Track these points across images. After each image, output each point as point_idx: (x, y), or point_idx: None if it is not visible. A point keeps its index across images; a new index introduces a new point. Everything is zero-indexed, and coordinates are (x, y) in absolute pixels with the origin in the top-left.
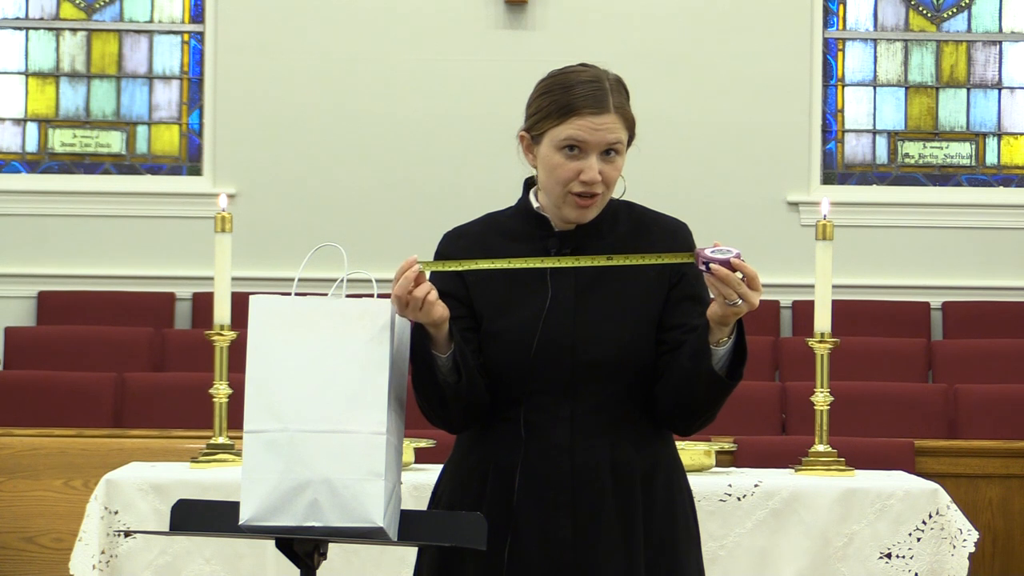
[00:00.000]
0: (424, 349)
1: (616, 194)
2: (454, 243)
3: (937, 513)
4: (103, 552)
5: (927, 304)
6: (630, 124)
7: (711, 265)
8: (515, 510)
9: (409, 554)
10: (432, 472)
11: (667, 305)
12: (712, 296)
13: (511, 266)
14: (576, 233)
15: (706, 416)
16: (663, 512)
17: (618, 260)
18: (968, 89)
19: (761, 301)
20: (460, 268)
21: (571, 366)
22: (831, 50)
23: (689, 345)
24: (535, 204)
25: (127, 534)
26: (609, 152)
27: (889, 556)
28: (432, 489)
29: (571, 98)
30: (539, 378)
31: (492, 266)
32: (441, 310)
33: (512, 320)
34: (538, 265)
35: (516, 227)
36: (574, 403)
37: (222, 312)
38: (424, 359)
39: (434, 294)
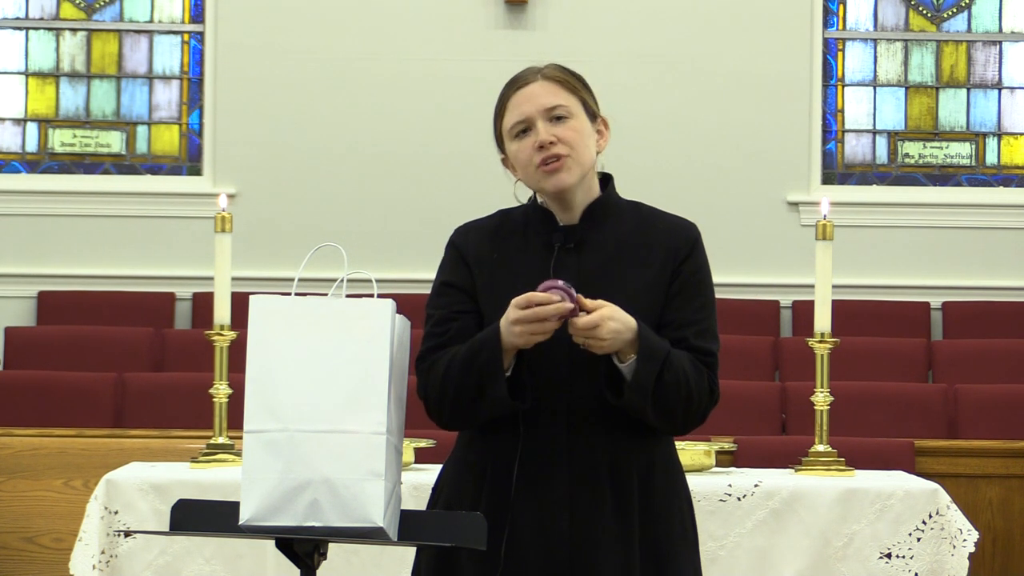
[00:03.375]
0: (493, 366)
1: (593, 167)
2: (465, 237)
3: (937, 513)
4: (103, 552)
5: (927, 304)
6: (571, 87)
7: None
8: (512, 506)
9: (409, 554)
10: (432, 472)
11: (666, 303)
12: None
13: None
14: (580, 227)
15: (668, 421)
16: (660, 512)
17: None
18: (968, 89)
19: (761, 301)
20: None
21: (570, 361)
22: (831, 50)
23: None
24: (540, 200)
25: (127, 534)
26: (557, 117)
27: (889, 556)
28: (433, 486)
29: (504, 90)
30: (538, 373)
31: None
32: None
33: None
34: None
35: (524, 222)
36: (571, 398)
37: (222, 312)
38: (491, 374)
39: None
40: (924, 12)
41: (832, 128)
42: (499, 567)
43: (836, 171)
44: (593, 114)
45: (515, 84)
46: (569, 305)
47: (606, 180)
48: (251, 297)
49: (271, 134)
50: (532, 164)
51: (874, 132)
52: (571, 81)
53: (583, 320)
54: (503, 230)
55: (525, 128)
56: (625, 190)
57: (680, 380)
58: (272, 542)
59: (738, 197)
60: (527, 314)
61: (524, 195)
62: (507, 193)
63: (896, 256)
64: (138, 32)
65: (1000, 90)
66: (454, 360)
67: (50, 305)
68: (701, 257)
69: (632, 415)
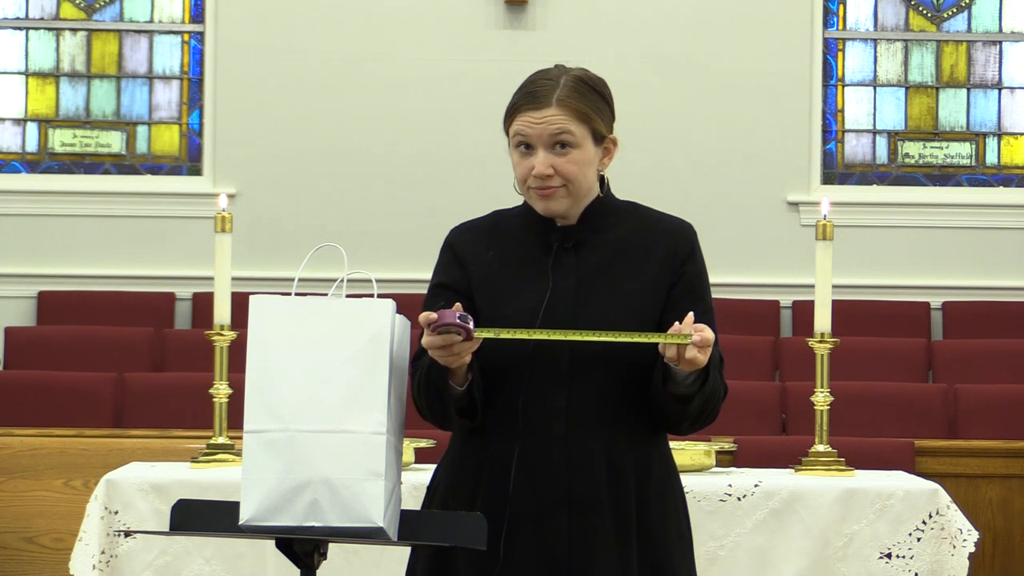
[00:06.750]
0: (441, 381)
1: (598, 186)
2: (461, 237)
3: (937, 513)
4: (103, 552)
5: (927, 304)
6: (584, 117)
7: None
8: (511, 501)
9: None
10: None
11: (667, 304)
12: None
13: (536, 337)
14: (578, 229)
15: (693, 421)
16: (656, 510)
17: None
18: (968, 89)
19: (761, 301)
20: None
21: (569, 358)
22: (831, 50)
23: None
24: None
25: (127, 534)
26: (561, 145)
27: (889, 556)
28: (429, 481)
29: (517, 97)
30: (537, 369)
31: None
32: (466, 359)
33: (512, 310)
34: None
35: (521, 223)
36: (571, 395)
37: (222, 312)
38: (439, 388)
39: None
40: (924, 12)
41: (832, 128)
42: (497, 565)
43: (836, 171)
44: (602, 137)
45: (532, 97)
46: (457, 339)
47: (601, 179)
48: (251, 297)
49: (271, 134)
50: (524, 183)
51: (874, 132)
52: (586, 110)
53: (706, 336)
54: (499, 229)
55: (527, 145)
56: (624, 190)
57: (719, 384)
58: (272, 542)
59: (738, 197)
60: (427, 344)
61: None
62: (508, 193)
63: (896, 256)
64: (138, 32)
65: (1000, 90)
66: (424, 372)
67: (50, 305)
68: (701, 258)
69: (675, 412)
